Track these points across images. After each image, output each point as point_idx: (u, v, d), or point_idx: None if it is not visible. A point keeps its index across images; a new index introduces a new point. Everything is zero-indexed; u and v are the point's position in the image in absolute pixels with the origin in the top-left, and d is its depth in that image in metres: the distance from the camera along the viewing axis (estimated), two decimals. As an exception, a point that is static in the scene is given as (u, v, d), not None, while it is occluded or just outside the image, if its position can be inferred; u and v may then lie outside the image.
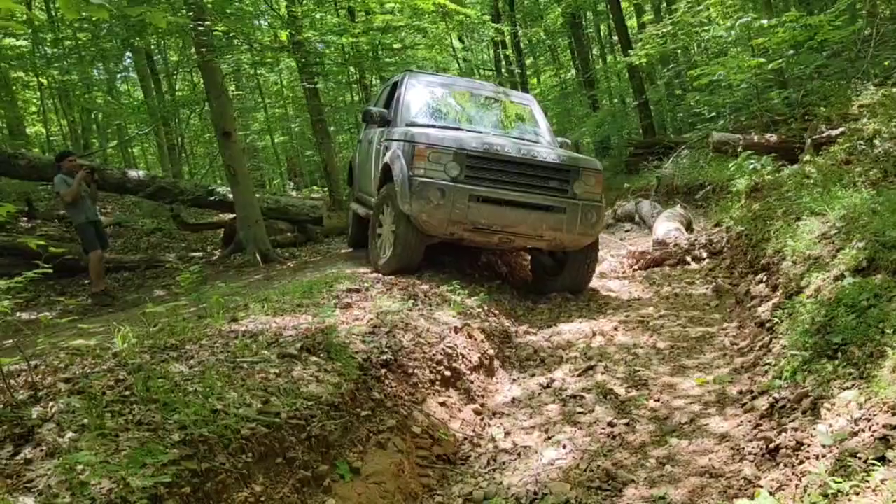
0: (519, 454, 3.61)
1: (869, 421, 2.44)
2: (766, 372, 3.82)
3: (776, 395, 3.38)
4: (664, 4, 20.53)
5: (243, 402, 2.92)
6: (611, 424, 3.73)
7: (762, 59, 10.68)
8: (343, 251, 10.15)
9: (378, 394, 3.69)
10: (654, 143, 16.46)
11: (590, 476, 3.18)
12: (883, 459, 2.19)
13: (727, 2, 15.47)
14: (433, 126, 6.80)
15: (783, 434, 2.93)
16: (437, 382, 4.22)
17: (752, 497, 2.54)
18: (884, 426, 2.33)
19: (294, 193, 21.11)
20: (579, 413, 3.99)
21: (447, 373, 4.33)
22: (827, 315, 3.64)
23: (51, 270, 3.72)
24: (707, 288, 6.66)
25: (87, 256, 7.91)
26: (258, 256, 9.55)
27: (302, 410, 3.06)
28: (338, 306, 4.84)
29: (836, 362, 3.12)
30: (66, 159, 7.87)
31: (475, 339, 4.95)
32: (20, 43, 13.77)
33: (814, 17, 10.19)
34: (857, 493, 2.10)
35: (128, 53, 17.76)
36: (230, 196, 10.68)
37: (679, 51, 19.58)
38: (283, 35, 11.00)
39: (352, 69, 19.26)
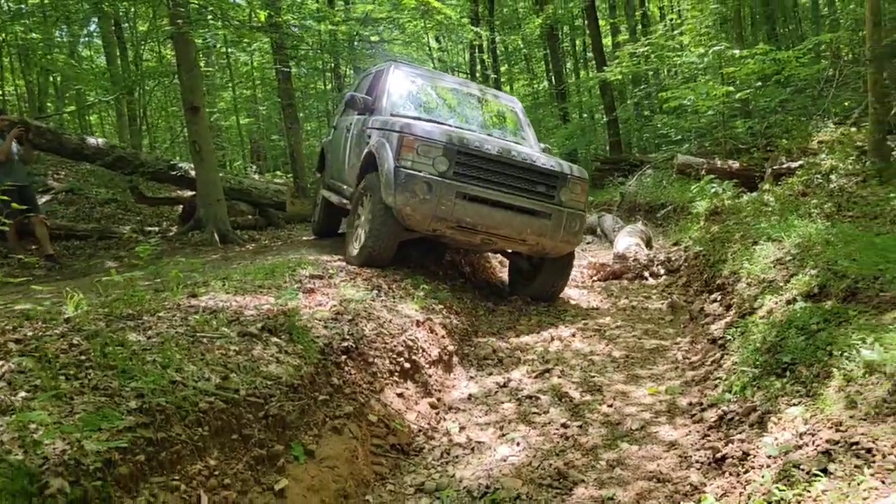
0: (473, 449, 3.64)
1: (813, 435, 2.54)
2: (717, 386, 3.94)
3: (725, 408, 3.50)
4: (640, 27, 20.96)
5: (202, 376, 2.88)
6: (564, 426, 3.80)
7: (731, 88, 11.00)
8: (305, 238, 10.05)
9: (337, 379, 3.68)
10: (620, 159, 16.78)
11: (541, 474, 3.23)
12: (825, 472, 2.28)
13: (701, 30, 15.87)
14: (419, 119, 6.64)
15: (730, 444, 3.03)
16: (396, 373, 4.23)
17: (698, 502, 2.62)
18: (827, 441, 2.43)
19: (256, 177, 20.80)
20: (534, 413, 4.04)
21: (406, 365, 4.34)
22: (778, 335, 3.77)
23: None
24: (663, 303, 6.82)
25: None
26: (217, 236, 9.38)
27: (261, 389, 3.03)
28: (301, 291, 4.79)
29: (785, 380, 3.24)
30: None
31: (436, 334, 4.97)
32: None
33: (782, 52, 10.55)
34: (800, 502, 2.20)
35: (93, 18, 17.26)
36: (192, 172, 10.47)
37: (651, 72, 20.02)
38: (262, 15, 10.84)
39: (326, 56, 19.09)
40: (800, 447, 2.54)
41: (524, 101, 26.09)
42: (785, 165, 9.33)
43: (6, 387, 2.44)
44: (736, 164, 10.61)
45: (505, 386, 4.53)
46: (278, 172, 23.60)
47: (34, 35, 15.35)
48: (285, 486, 2.79)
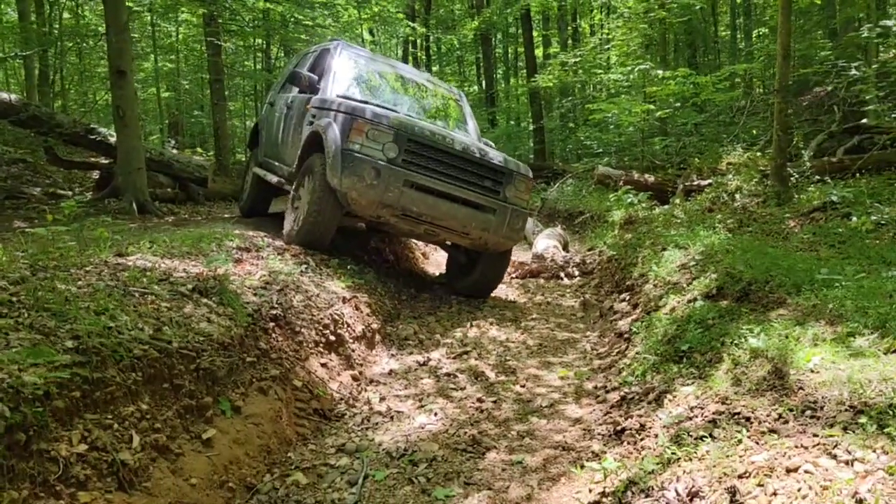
0: (392, 417, 3.81)
1: (703, 408, 2.86)
2: (621, 372, 4.27)
3: (627, 390, 3.82)
4: (570, 41, 21.73)
5: (136, 326, 2.91)
6: (480, 401, 4.02)
7: (651, 107, 11.65)
8: (227, 216, 9.90)
9: (265, 344, 3.76)
10: (543, 167, 17.33)
11: (457, 440, 3.44)
12: (711, 436, 2.59)
13: (628, 49, 16.66)
14: (367, 103, 6.42)
15: (630, 419, 3.33)
16: (321, 345, 4.34)
17: (599, 462, 2.89)
18: (714, 412, 2.75)
19: (175, 152, 20.15)
20: (452, 389, 4.25)
21: (332, 337, 4.46)
22: (678, 329, 4.14)
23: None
24: (576, 301, 7.20)
25: None
26: (135, 205, 9.11)
27: (193, 343, 3.09)
28: (229, 260, 4.81)
29: (681, 365, 3.58)
30: None
31: (361, 312, 5.10)
32: None
33: (701, 77, 11.28)
34: (689, 460, 2.49)
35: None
36: (111, 139, 10.13)
37: (578, 86, 20.77)
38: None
39: (260, 34, 18.74)
40: (690, 418, 2.85)
41: (455, 102, 26.56)
42: (696, 183, 9.97)
43: (-66, 320, 2.42)
44: (651, 179, 11.24)
45: (425, 364, 4.72)
46: (198, 150, 22.91)
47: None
48: (212, 435, 2.88)
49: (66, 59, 19.02)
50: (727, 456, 2.38)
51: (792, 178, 8.20)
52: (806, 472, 2.09)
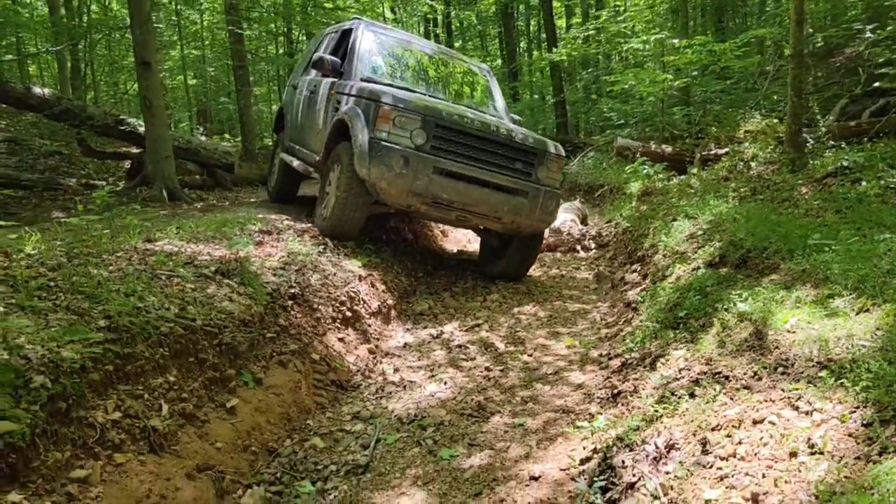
0: (405, 387, 4.06)
1: (689, 370, 3.04)
2: (624, 340, 4.45)
3: (627, 357, 4.01)
4: (592, 10, 21.48)
5: (162, 306, 3.18)
6: (488, 370, 4.25)
7: (670, 76, 11.59)
8: (253, 200, 10.22)
9: (284, 321, 4.03)
10: (565, 140, 17.29)
11: (463, 406, 3.67)
12: (692, 395, 2.78)
13: (651, 17, 16.46)
14: (393, 87, 6.26)
15: (626, 383, 3.53)
16: (338, 321, 4.59)
17: (591, 423, 3.10)
18: (698, 373, 2.93)
19: (203, 139, 20.59)
20: (462, 359, 4.48)
21: (348, 314, 4.71)
22: (679, 297, 4.29)
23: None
24: (590, 273, 7.36)
25: None
26: (165, 193, 9.46)
27: (216, 320, 3.36)
28: (250, 243, 5.08)
29: (677, 331, 3.75)
30: None
31: (377, 289, 5.35)
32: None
33: (719, 44, 11.17)
34: (671, 417, 2.68)
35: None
36: (140, 129, 10.46)
37: (600, 56, 20.58)
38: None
39: (280, 20, 18.96)
40: (677, 379, 3.03)
41: (477, 78, 26.51)
42: (713, 152, 9.97)
43: (-17, 304, 2.71)
44: (669, 149, 11.23)
45: (438, 337, 4.96)
46: (226, 136, 23.35)
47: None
48: (236, 404, 3.15)
49: (95, 52, 19.47)
50: (703, 412, 2.57)
51: (808, 144, 8.17)
52: (770, 422, 2.27)
